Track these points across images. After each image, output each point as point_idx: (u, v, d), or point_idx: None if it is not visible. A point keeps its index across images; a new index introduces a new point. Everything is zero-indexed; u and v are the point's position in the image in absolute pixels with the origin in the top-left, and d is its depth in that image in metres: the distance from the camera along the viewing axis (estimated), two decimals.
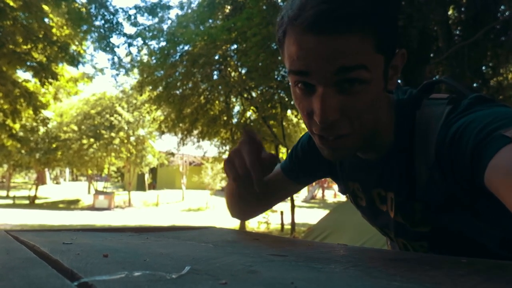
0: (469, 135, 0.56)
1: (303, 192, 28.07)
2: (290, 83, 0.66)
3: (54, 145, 20.87)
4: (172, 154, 14.36)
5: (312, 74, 0.59)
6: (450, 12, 7.23)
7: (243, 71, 9.06)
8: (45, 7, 9.23)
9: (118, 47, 9.93)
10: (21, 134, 14.63)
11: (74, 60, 9.87)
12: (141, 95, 11.30)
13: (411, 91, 0.72)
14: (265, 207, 1.02)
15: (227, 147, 11.52)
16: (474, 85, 6.64)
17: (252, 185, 0.70)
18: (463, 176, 0.58)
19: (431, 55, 6.79)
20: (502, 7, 6.66)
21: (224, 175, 22.13)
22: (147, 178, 27.69)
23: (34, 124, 14.05)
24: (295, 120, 12.38)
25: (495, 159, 0.50)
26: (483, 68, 7.15)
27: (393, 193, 0.72)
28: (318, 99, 0.60)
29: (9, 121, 11.69)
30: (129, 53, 10.01)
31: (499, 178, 0.50)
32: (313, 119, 0.63)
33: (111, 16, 9.27)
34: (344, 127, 0.62)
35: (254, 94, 9.77)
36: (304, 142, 0.90)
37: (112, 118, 20.62)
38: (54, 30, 9.93)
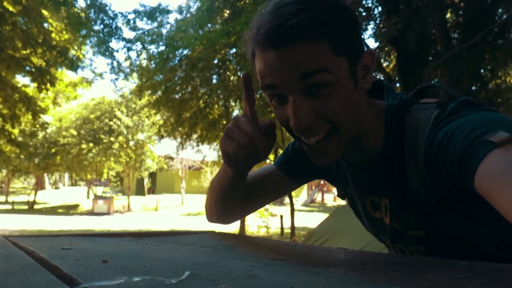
0: (456, 141, 0.56)
1: (303, 196, 28.04)
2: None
3: (53, 150, 20.83)
4: (171, 159, 14.36)
5: (280, 85, 0.64)
6: (448, 16, 7.27)
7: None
8: (45, 12, 9.25)
9: (117, 51, 9.94)
10: (20, 139, 14.62)
11: (73, 65, 9.87)
12: (140, 99, 11.31)
13: (402, 96, 0.72)
14: (258, 206, 1.00)
15: None
16: (473, 88, 6.66)
17: (255, 156, 0.70)
18: (452, 182, 0.59)
19: (430, 58, 6.81)
20: (500, 10, 6.69)
21: None
22: (147, 182, 27.63)
23: (33, 129, 14.04)
24: None
25: (483, 164, 0.51)
26: (482, 71, 7.17)
27: (387, 199, 0.72)
28: (290, 107, 0.64)
29: (8, 126, 11.68)
30: (128, 58, 10.02)
31: (488, 184, 0.50)
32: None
33: (110, 21, 9.30)
34: (321, 128, 0.65)
35: None
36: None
37: (111, 123, 20.61)
38: (53, 35, 9.94)
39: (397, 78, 6.63)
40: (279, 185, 0.94)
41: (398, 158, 0.68)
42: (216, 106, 10.17)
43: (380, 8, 6.91)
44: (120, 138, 20.78)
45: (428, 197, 0.65)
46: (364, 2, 6.85)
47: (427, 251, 0.71)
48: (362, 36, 0.68)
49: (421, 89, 0.72)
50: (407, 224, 0.70)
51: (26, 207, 22.16)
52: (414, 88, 0.74)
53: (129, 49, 9.55)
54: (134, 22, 9.46)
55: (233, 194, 0.87)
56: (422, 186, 0.66)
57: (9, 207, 22.10)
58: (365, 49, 0.68)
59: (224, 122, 10.13)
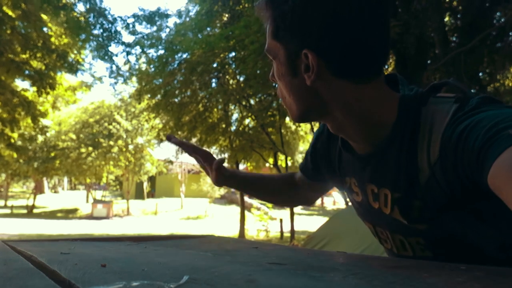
0: (477, 133, 0.55)
1: None
2: None
3: (52, 154, 20.82)
4: (171, 162, 14.34)
5: None
6: (446, 19, 7.29)
7: (241, 79, 9.09)
8: (44, 16, 9.27)
9: (116, 55, 10.03)
10: (19, 143, 14.61)
11: (73, 69, 9.89)
12: (139, 103, 11.32)
13: (418, 89, 0.71)
14: (306, 203, 1.12)
15: (226, 155, 11.51)
16: (471, 91, 6.66)
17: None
18: (466, 175, 0.58)
19: (428, 61, 6.82)
20: (498, 13, 6.71)
21: None
22: (146, 186, 27.60)
23: (33, 133, 14.04)
24: (293, 127, 12.39)
25: (501, 158, 0.50)
26: (480, 74, 7.18)
27: (388, 189, 0.71)
28: None
29: (7, 130, 11.68)
30: (128, 62, 10.04)
31: (502, 176, 0.49)
32: None
33: (110, 25, 9.32)
34: (279, 90, 0.77)
35: (252, 102, 9.79)
36: (319, 131, 0.91)
37: (110, 127, 20.61)
38: (52, 39, 9.96)
39: None
40: (312, 188, 1.02)
41: (409, 150, 0.68)
42: (215, 109, 10.18)
43: None
44: (120, 142, 20.78)
45: (436, 193, 0.64)
46: None
47: (426, 244, 0.71)
48: (314, 32, 0.65)
49: (435, 85, 0.72)
50: (410, 218, 0.70)
51: (25, 211, 22.13)
52: (429, 85, 0.73)
53: (128, 53, 9.58)
54: (133, 26, 9.49)
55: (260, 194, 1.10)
56: (431, 181, 0.65)
57: (8, 211, 22.06)
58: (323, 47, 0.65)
59: (224, 125, 10.14)
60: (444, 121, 0.63)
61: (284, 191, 1.08)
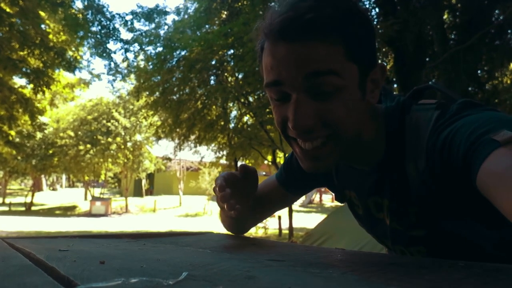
0: (459, 140, 0.56)
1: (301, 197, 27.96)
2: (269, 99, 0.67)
3: (50, 151, 20.77)
4: (169, 160, 14.33)
5: (285, 82, 0.61)
6: (445, 17, 7.29)
7: (240, 76, 9.08)
8: (42, 13, 9.23)
9: (114, 52, 9.93)
10: (17, 140, 14.58)
11: (71, 66, 9.85)
12: (138, 100, 11.29)
13: (399, 98, 0.72)
14: (262, 219, 1.07)
15: (224, 152, 11.51)
16: (470, 89, 6.68)
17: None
18: (455, 180, 0.59)
19: (427, 59, 6.83)
20: (497, 11, 6.71)
21: None
22: (144, 183, 27.57)
23: (31, 130, 14.01)
24: None
25: (486, 163, 0.51)
26: (479, 72, 7.20)
27: (388, 200, 0.72)
28: (292, 106, 0.61)
29: (5, 128, 11.65)
30: (126, 59, 10.00)
31: (490, 183, 0.50)
32: (288, 126, 0.63)
33: (108, 22, 9.29)
34: (320, 133, 0.62)
35: (251, 99, 9.78)
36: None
37: (109, 124, 20.57)
38: (50, 36, 9.93)
39: (394, 79, 6.65)
40: (282, 199, 0.99)
41: (398, 159, 0.68)
42: (213, 107, 10.17)
43: (377, 10, 6.94)
44: (118, 139, 20.74)
45: (429, 199, 0.65)
46: (361, 3, 6.87)
47: (428, 252, 0.71)
48: (376, 48, 0.67)
49: (418, 90, 0.72)
50: (407, 225, 0.70)
51: (23, 208, 22.09)
52: (411, 89, 0.74)
53: (126, 50, 9.54)
54: (132, 23, 9.46)
55: (241, 222, 0.97)
56: (423, 187, 0.65)
57: (6, 208, 22.03)
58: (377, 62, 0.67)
59: (222, 123, 10.13)
60: (427, 129, 0.64)
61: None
